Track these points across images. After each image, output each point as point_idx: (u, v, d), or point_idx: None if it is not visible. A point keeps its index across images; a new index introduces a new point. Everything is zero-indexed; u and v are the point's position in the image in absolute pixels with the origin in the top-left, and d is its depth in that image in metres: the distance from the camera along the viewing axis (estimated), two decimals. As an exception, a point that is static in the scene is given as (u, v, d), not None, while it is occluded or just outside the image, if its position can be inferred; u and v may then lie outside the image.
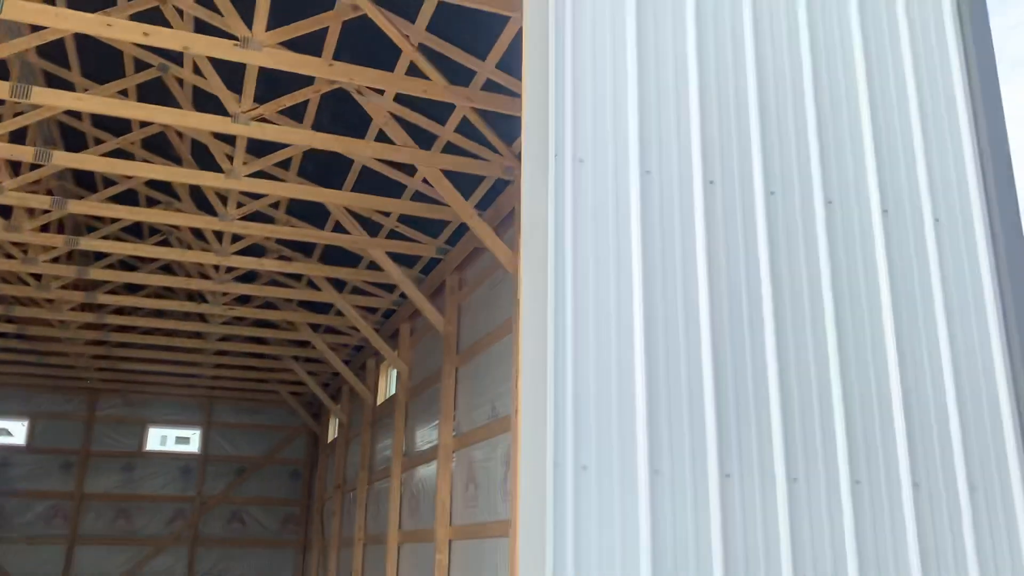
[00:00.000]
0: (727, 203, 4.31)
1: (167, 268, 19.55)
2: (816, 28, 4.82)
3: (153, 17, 11.10)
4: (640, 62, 4.32)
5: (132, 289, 20.49)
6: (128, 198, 16.88)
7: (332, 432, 25.09)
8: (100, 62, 12.65)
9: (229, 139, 13.77)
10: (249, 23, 10.75)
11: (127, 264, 19.71)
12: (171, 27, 10.69)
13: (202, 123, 10.66)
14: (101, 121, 14.43)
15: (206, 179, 12.40)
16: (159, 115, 10.38)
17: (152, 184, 16.06)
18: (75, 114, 14.38)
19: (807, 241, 4.38)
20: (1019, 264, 4.72)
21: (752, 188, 4.38)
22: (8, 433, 25.23)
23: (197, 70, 12.31)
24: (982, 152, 4.93)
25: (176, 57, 12.22)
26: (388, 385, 19.46)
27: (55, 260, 18.50)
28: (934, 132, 4.90)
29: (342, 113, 12.65)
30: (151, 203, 16.79)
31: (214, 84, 10.70)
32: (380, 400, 19.62)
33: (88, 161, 11.69)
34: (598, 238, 3.99)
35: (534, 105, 4.07)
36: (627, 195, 4.10)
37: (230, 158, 13.61)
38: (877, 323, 4.40)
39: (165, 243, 18.57)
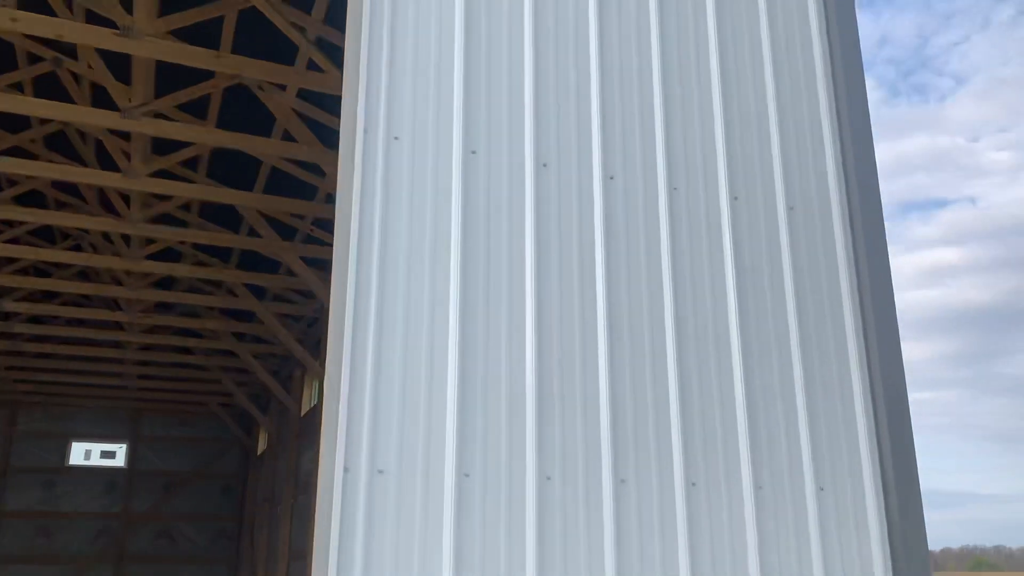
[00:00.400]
0: (562, 187, 4.02)
1: (83, 274, 18.83)
2: (668, 9, 4.57)
3: (41, 5, 10.58)
4: (468, 35, 4.03)
5: (47, 296, 19.71)
6: (36, 200, 16.20)
7: (262, 445, 24.44)
8: (-10, 55, 12.06)
9: (128, 136, 13.23)
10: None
11: (40, 270, 18.96)
12: (56, 16, 10.20)
13: (90, 118, 10.16)
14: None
15: (105, 179, 11.87)
16: (41, 109, 9.87)
17: (59, 185, 15.42)
18: (-32, 111, 13.75)
19: (648, 227, 4.10)
20: (877, 256, 4.50)
21: (591, 172, 4.10)
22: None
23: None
24: (843, 141, 4.72)
25: (72, 50, 11.69)
26: (312, 395, 18.95)
27: (-43, 266, 17.72)
28: (792, 119, 4.68)
29: (249, 111, 12.22)
30: (60, 205, 16.14)
31: (101, 76, 10.20)
32: (304, 411, 19.09)
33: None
34: (412, 221, 3.67)
35: (350, 76, 3.75)
36: (448, 176, 3.79)
37: (128, 156, 13.06)
38: (722, 313, 4.13)
39: (78, 248, 17.88)
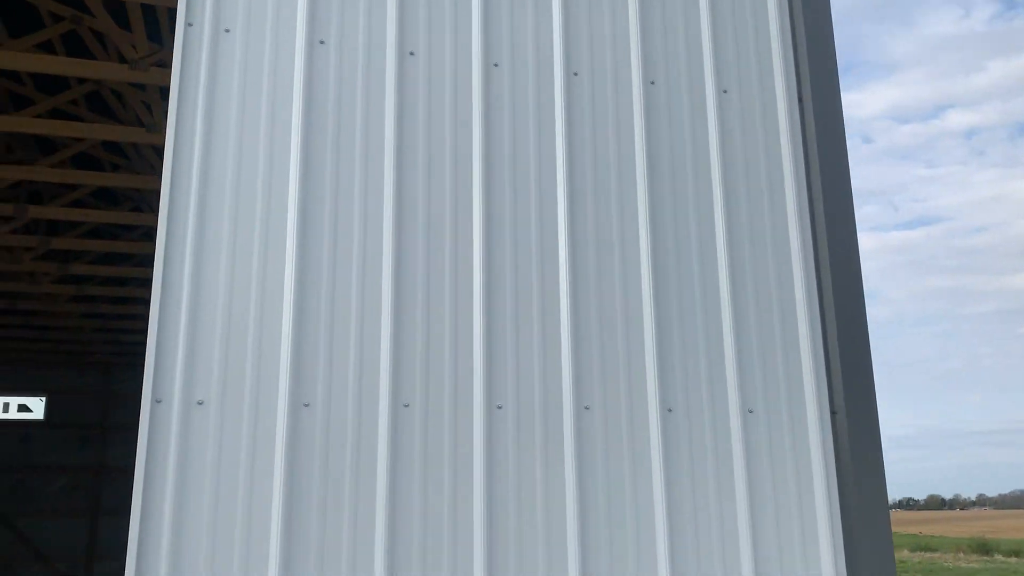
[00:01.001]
0: (433, 73, 3.51)
1: (147, 235, 19.24)
2: None
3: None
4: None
5: (119, 259, 20.29)
6: (91, 163, 16.53)
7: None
8: None
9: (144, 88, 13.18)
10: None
11: (108, 233, 19.48)
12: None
13: (102, 73, 10.10)
14: None
15: (131, 135, 11.90)
16: (52, 66, 9.84)
17: (108, 147, 15.64)
18: None
19: (539, 114, 3.55)
20: (830, 142, 3.80)
21: (469, 59, 3.56)
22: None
23: None
24: (792, 10, 3.99)
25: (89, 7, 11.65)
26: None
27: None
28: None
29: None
30: (114, 167, 16.42)
31: (106, 27, 10.09)
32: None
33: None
34: (245, 113, 3.24)
35: (181, -30, 3.32)
36: (290, 68, 3.34)
37: (150, 109, 13.02)
38: (631, 207, 3.55)
39: (138, 209, 18.24)
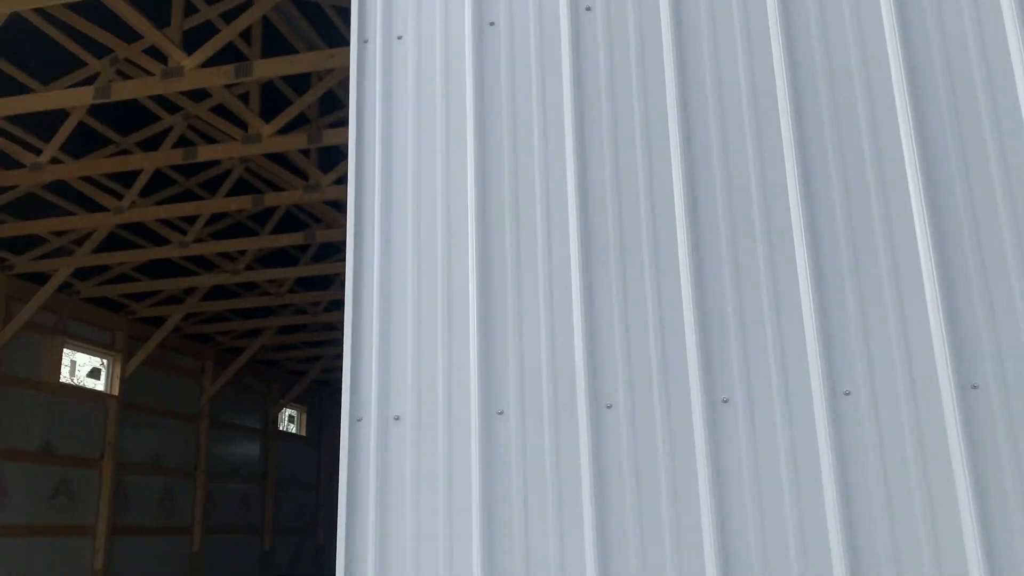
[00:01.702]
0: (615, 34, 3.08)
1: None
2: None
3: None
4: None
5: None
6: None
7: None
8: None
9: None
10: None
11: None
12: None
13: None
14: None
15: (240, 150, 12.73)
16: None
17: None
18: None
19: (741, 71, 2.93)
20: None
21: (656, 15, 3.07)
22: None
23: None
24: None
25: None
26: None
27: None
28: None
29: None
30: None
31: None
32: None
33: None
34: (421, 110, 3.13)
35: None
36: (461, 54, 3.15)
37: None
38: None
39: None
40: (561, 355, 2.86)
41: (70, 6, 9.14)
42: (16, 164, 11.18)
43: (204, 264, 15.57)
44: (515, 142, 3.05)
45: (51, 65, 10.24)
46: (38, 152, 11.04)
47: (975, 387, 2.76)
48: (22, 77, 10.16)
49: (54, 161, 11.08)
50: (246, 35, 10.63)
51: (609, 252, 2.90)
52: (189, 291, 16.40)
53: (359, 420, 2.95)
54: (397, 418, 2.93)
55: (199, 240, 13.82)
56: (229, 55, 10.29)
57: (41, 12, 9.25)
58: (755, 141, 2.84)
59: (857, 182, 2.85)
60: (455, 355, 2.94)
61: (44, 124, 10.92)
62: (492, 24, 3.19)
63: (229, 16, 10.39)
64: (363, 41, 3.26)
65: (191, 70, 8.56)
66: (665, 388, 2.79)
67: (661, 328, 2.83)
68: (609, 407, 2.81)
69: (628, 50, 3.06)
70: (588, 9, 3.12)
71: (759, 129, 2.87)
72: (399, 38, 3.26)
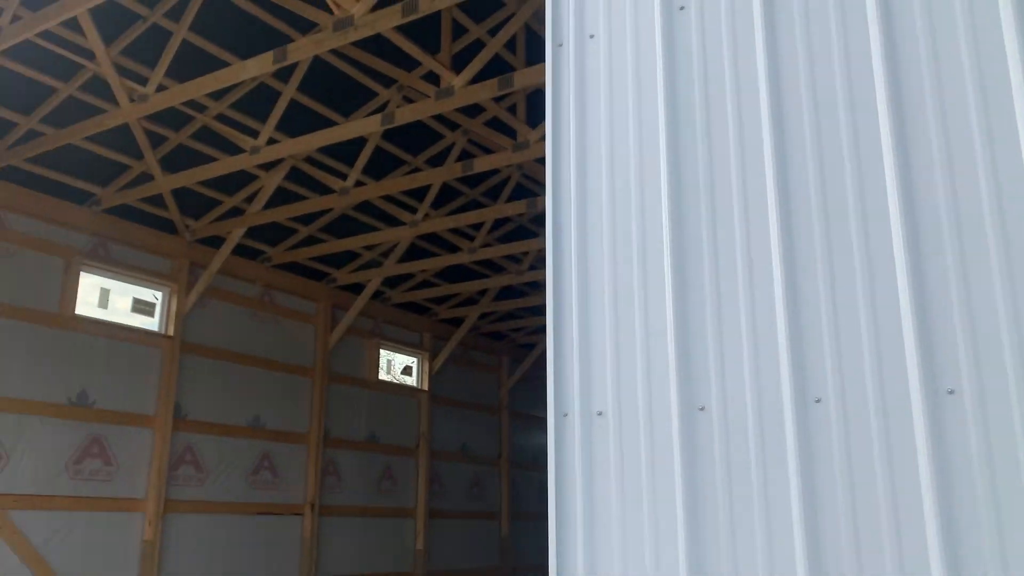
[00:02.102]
0: (812, 16, 2.83)
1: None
2: None
3: None
4: None
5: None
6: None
7: None
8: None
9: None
10: None
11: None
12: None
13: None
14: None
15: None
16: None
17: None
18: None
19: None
20: None
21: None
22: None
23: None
24: None
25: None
26: None
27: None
28: None
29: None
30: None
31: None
32: None
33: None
34: (613, 104, 3.11)
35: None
36: (652, 39, 3.09)
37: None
38: None
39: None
40: (764, 352, 2.72)
41: (358, 43, 10.21)
42: (328, 190, 12.70)
43: (493, 267, 16.57)
44: (708, 132, 2.95)
45: (348, 98, 11.50)
46: (344, 177, 12.45)
47: None
48: (325, 111, 11.52)
49: (358, 184, 12.43)
50: (511, 45, 11.18)
51: (815, 251, 2.70)
52: (482, 292, 17.54)
53: (565, 415, 3.03)
54: (600, 413, 2.97)
55: (486, 245, 14.74)
56: (497, 67, 10.89)
57: (335, 52, 10.42)
58: None
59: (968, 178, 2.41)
60: (653, 351, 2.91)
61: (347, 152, 12.29)
62: (682, 8, 3.11)
63: (495, 30, 10.98)
64: (557, 45, 3.34)
65: (461, 88, 9.17)
66: (879, 380, 2.55)
67: (874, 321, 2.59)
68: (818, 401, 2.62)
69: (829, 25, 2.83)
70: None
71: None
72: (591, 37, 3.29)
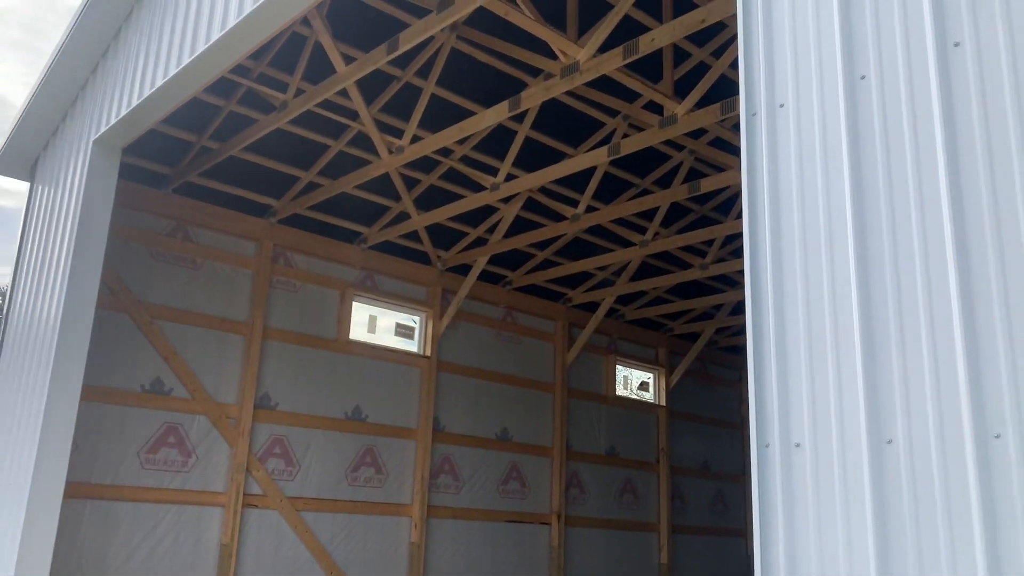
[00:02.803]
0: (985, 68, 2.99)
1: None
2: None
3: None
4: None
5: None
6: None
7: None
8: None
9: None
10: None
11: None
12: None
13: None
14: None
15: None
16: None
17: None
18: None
19: None
20: None
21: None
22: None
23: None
24: None
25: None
26: None
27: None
28: None
29: None
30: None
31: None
32: None
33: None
34: (804, 182, 3.42)
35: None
36: (836, 110, 3.37)
37: None
38: None
39: None
40: (945, 388, 2.93)
41: (588, 83, 10.87)
42: (561, 217, 13.49)
43: (727, 281, 16.60)
44: (891, 187, 3.20)
45: (576, 131, 12.22)
46: (575, 204, 13.19)
47: None
48: (557, 145, 12.32)
49: (589, 209, 13.11)
50: (736, 63, 11.34)
51: (992, 296, 2.89)
52: (718, 307, 17.59)
53: (767, 446, 3.39)
54: (798, 445, 3.30)
55: (719, 260, 14.87)
56: (722, 88, 11.10)
57: (568, 92, 11.16)
58: None
59: None
60: (844, 384, 3.20)
61: (577, 180, 13.01)
62: (863, 78, 3.38)
63: (719, 51, 11.21)
64: (751, 114, 3.72)
65: (683, 116, 9.54)
66: (1064, 419, 2.68)
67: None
68: (997, 437, 2.79)
69: (1003, 87, 2.99)
70: (956, 45, 3.13)
71: None
72: (781, 106, 3.63)
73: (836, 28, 3.47)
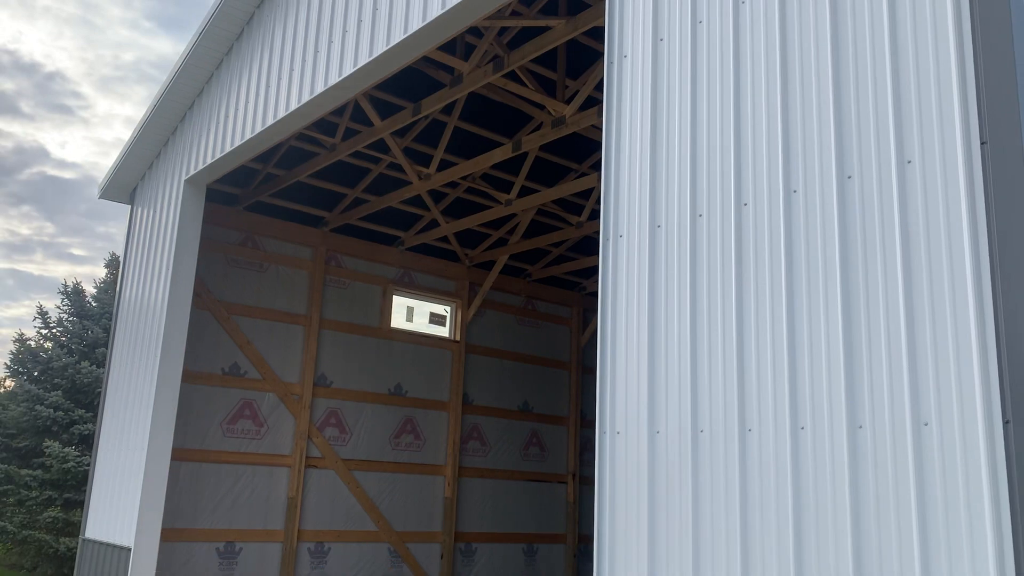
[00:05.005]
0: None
1: None
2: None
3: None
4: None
5: None
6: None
7: None
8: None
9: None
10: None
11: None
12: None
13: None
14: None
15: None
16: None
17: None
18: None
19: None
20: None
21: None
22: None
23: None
24: None
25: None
26: None
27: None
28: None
29: None
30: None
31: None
32: None
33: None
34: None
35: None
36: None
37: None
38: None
39: None
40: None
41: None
42: (568, 223, 15.66)
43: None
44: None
45: (575, 156, 14.33)
46: (579, 213, 15.31)
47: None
48: (563, 162, 14.44)
49: (592, 217, 15.22)
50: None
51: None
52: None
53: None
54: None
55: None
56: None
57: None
58: None
59: None
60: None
61: (579, 195, 15.13)
62: (659, 225, 5.56)
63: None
64: (605, 239, 5.89)
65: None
66: None
67: None
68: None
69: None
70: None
71: None
72: (620, 236, 5.79)
73: (648, 184, 5.64)
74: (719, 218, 4.94)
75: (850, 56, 4.45)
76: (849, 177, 4.35)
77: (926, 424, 3.91)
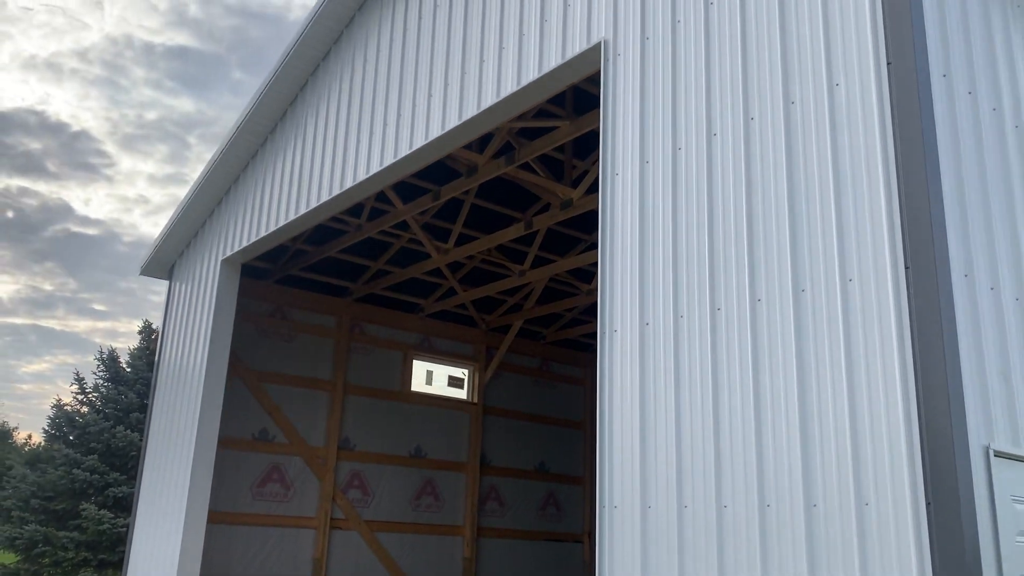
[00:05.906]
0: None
1: None
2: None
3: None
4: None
5: None
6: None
7: None
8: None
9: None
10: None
11: None
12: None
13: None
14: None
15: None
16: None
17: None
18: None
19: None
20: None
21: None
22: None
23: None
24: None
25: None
26: None
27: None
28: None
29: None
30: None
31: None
32: None
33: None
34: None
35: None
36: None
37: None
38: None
39: None
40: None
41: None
42: (579, 291, 16.44)
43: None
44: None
45: (586, 228, 15.16)
46: (589, 281, 16.10)
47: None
48: (571, 233, 15.28)
49: (604, 283, 16.04)
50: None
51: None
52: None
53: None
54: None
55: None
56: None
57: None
58: None
59: None
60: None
61: (589, 265, 15.91)
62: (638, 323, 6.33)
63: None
64: (602, 333, 6.64)
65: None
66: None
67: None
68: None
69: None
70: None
71: None
72: (615, 331, 6.53)
73: (637, 278, 6.42)
74: (696, 320, 5.70)
75: (802, 193, 5.27)
76: (803, 290, 5.13)
77: (867, 504, 4.60)
